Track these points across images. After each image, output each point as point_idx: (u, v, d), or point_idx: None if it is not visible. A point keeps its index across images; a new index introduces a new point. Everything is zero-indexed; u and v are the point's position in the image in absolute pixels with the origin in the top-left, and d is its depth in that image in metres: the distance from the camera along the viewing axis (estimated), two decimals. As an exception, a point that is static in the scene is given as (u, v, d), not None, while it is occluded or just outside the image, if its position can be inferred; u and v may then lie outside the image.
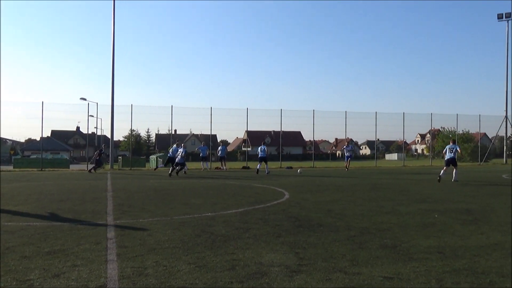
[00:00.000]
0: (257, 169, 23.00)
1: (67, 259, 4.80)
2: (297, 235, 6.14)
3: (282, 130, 35.28)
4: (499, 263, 4.65)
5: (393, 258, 4.85)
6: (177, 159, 20.69)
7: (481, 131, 42.77)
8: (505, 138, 40.53)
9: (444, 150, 17.49)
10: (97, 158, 26.83)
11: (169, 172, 20.75)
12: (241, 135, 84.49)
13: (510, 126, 39.98)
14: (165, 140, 59.99)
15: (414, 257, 4.88)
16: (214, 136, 63.87)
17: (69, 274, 4.24)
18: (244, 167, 30.43)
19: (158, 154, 31.45)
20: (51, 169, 29.92)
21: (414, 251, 5.19)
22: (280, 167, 32.09)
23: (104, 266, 4.54)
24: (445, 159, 16.94)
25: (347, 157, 27.38)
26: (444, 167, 16.69)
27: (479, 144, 44.09)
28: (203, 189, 13.83)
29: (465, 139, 47.88)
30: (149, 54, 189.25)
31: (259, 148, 23.81)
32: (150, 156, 36.26)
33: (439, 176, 16.16)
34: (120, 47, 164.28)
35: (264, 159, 23.33)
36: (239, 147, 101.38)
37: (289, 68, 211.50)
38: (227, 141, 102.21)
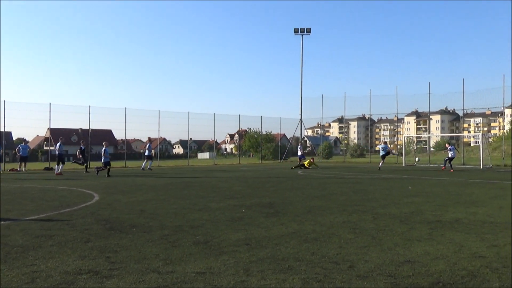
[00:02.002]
0: (142, 168, 26.83)
1: None
2: (108, 239, 5.85)
3: (90, 128, 33.17)
4: (296, 249, 5.24)
5: (205, 254, 5.02)
6: (103, 158, 20.83)
7: (281, 132, 47.79)
8: (300, 138, 46.04)
9: (378, 149, 27.42)
10: (80, 156, 24.61)
11: (106, 174, 20.21)
12: (43, 132, 76.37)
13: (304, 128, 45.64)
14: None
15: (225, 251, 5.15)
16: (9, 134, 56.35)
17: None
18: (46, 168, 27.54)
19: None
20: None
21: (225, 244, 5.48)
22: (89, 167, 30.09)
23: None
24: (381, 155, 25.67)
25: (301, 156, 30.75)
26: (382, 161, 25.53)
27: (279, 143, 49.09)
28: (-6, 194, 12.01)
29: (268, 139, 52.62)
30: None
31: (146, 146, 27.48)
32: None
33: (379, 168, 24.78)
34: None
35: (150, 158, 26.89)
36: (40, 146, 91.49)
37: (99, 64, 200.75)
38: (25, 139, 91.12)
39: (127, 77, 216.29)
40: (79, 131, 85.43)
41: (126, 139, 34.98)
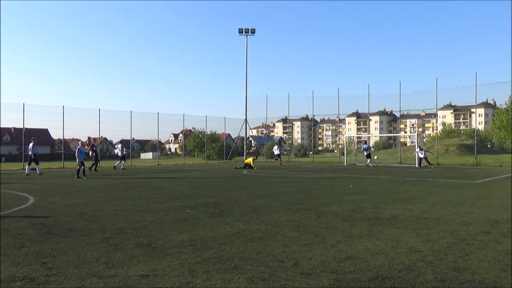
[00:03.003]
0: (122, 168, 26.92)
1: None
2: (45, 243, 5.57)
3: (24, 127, 31.49)
4: (241, 248, 5.25)
5: (149, 256, 4.91)
6: (78, 159, 19.88)
7: (226, 132, 47.67)
8: (245, 138, 46.20)
9: (362, 149, 30.36)
10: (94, 154, 24.53)
11: (83, 174, 19.35)
12: (-28, 131, 71.59)
13: (249, 128, 45.88)
14: None
15: (169, 252, 5.06)
16: None
17: None
18: (-25, 170, 25.80)
19: None
20: None
21: (169, 246, 5.39)
22: (23, 168, 28.53)
23: None
24: (365, 154, 28.73)
25: (277, 155, 33.86)
26: (369, 159, 28.42)
27: (224, 143, 49.00)
28: None
29: (213, 139, 52.36)
30: None
31: (118, 146, 28.46)
32: None
33: (367, 165, 27.99)
34: None
35: (123, 158, 27.40)
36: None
37: (34, 59, 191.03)
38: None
39: (65, 74, 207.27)
40: (12, 130, 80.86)
41: (63, 138, 33.48)
